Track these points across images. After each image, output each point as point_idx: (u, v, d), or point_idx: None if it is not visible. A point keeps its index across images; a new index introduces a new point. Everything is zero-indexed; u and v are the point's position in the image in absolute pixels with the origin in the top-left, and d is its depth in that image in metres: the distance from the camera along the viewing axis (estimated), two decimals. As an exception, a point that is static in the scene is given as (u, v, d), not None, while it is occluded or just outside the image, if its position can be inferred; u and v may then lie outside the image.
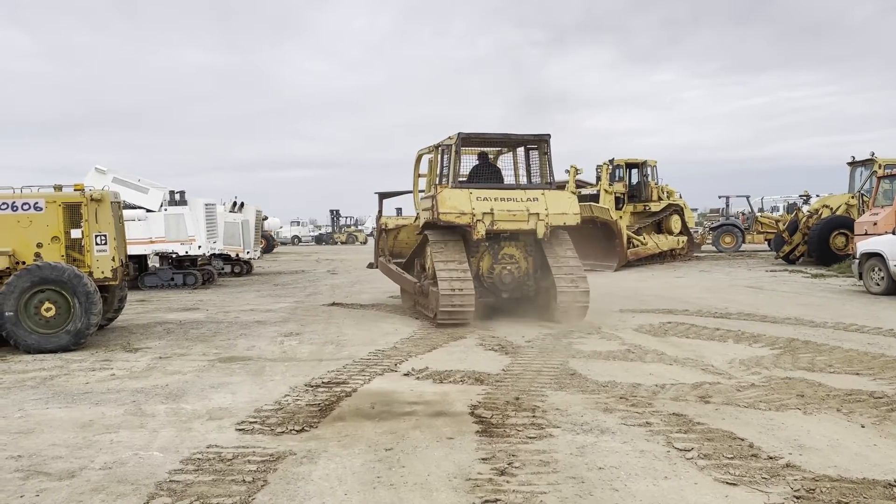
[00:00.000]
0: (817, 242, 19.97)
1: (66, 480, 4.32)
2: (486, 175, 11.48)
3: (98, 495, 4.07)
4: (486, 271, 10.82)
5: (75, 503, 3.99)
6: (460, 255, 10.43)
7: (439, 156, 11.38)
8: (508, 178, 11.87)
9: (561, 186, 23.02)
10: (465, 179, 11.28)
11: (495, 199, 10.50)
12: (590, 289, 10.50)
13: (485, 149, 11.95)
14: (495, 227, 10.42)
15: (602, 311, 11.41)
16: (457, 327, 9.99)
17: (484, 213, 10.32)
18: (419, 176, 12.98)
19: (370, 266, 14.56)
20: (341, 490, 4.10)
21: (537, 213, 10.46)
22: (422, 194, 12.72)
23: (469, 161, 11.69)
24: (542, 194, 10.73)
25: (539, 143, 11.25)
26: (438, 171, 11.36)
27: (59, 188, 9.65)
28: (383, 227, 13.81)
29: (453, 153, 10.77)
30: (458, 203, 10.37)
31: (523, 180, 11.74)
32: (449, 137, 10.98)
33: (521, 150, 11.84)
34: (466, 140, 10.89)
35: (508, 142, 11.66)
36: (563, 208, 10.70)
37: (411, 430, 5.21)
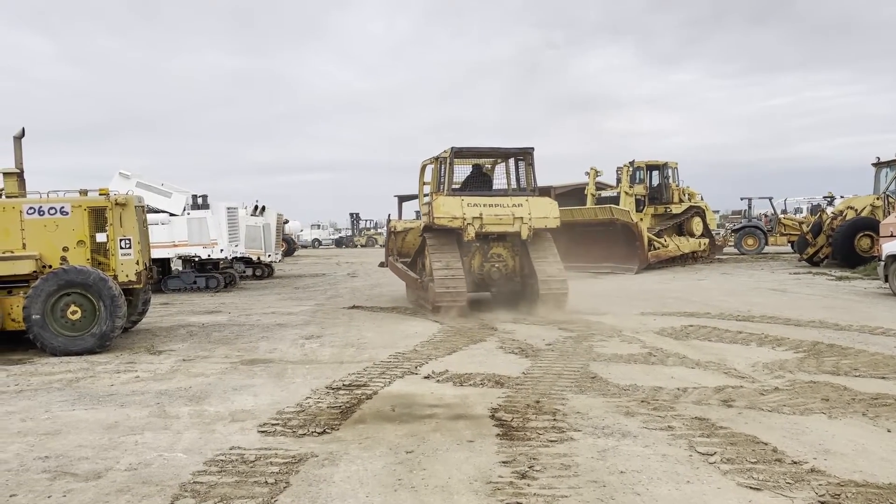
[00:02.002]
0: (842, 244, 19.69)
1: (92, 481, 4.39)
2: (477, 183, 12.74)
3: (123, 496, 4.13)
4: (477, 268, 12.03)
5: None
6: (454, 255, 11.57)
7: (438, 166, 12.47)
8: (502, 186, 13.12)
9: (581, 188, 23.12)
10: (458, 187, 12.42)
11: (484, 205, 11.71)
12: (567, 277, 11.81)
13: (479, 160, 13.19)
14: (484, 230, 11.62)
15: (623, 314, 11.38)
16: (462, 321, 10.87)
17: (474, 218, 11.51)
18: (424, 183, 13.81)
19: (381, 265, 15.84)
20: (363, 492, 4.12)
21: (521, 217, 11.64)
22: (426, 198, 13.57)
23: (466, 170, 13.00)
24: (527, 200, 11.91)
25: (524, 155, 12.48)
26: (437, 180, 12.41)
27: (84, 193, 9.79)
28: (392, 229, 15.05)
29: (448, 165, 11.93)
30: (451, 209, 11.58)
31: (514, 187, 12.88)
32: (444, 151, 12.09)
33: (511, 161, 13.03)
34: (459, 153, 12.07)
35: (497, 154, 12.92)
36: (545, 212, 11.87)
37: (432, 433, 5.22)
